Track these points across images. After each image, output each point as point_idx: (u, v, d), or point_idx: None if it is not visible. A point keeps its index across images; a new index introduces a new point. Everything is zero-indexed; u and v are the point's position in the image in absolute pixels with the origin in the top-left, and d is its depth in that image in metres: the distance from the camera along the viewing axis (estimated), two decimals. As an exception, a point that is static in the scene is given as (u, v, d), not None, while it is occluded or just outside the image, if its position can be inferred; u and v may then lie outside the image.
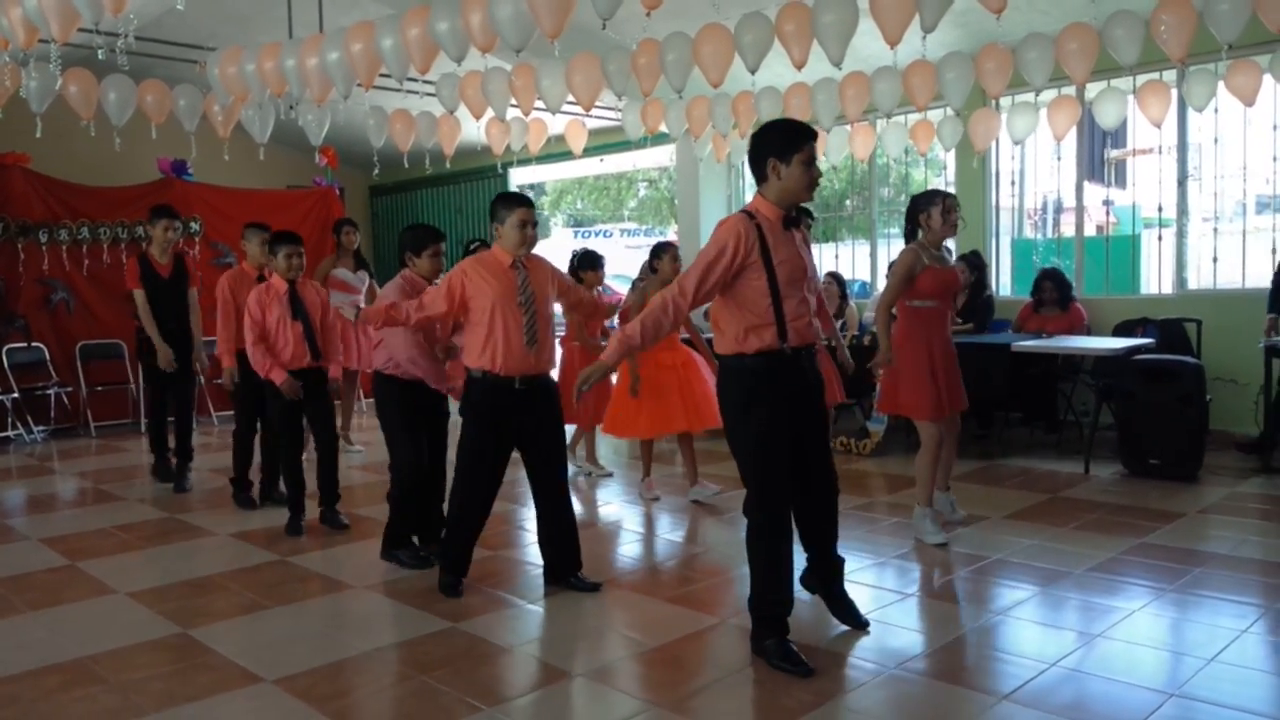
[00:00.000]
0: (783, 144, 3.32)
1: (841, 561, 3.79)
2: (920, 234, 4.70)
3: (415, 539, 4.80)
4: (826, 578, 3.76)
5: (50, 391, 9.06)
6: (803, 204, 3.50)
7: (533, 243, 4.17)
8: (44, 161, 9.43)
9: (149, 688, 3.39)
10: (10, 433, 8.85)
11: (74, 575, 4.76)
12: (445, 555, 4.33)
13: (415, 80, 6.45)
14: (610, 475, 6.83)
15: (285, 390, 5.24)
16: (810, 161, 3.33)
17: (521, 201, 4.16)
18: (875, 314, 4.73)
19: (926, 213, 4.66)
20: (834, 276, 8.79)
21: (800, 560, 3.68)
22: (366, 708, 3.21)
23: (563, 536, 4.35)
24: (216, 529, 5.59)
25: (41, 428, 9.06)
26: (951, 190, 9.07)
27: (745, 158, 10.90)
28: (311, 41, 6.37)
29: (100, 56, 5.66)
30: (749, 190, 11.12)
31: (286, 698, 3.27)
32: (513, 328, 4.06)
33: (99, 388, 9.28)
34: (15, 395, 8.78)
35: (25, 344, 9.13)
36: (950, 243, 8.90)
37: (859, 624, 3.75)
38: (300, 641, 3.81)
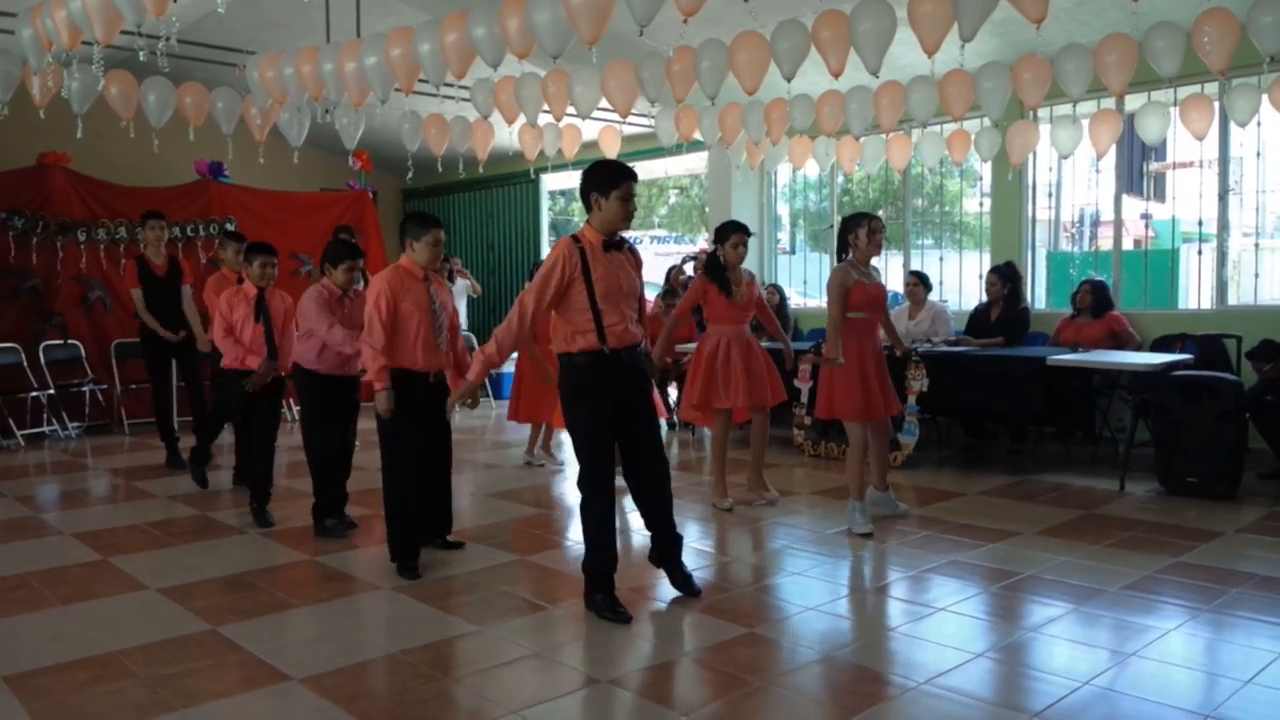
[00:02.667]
0: (604, 181, 3.86)
1: (680, 538, 4.30)
2: (850, 253, 5.17)
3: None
4: (666, 550, 4.28)
5: (85, 388, 9.17)
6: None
7: (438, 260, 4.81)
8: (84, 162, 9.57)
9: (178, 683, 3.41)
10: (45, 428, 8.97)
11: (106, 570, 4.81)
12: (395, 546, 4.72)
13: (450, 85, 6.49)
14: (561, 466, 7.29)
15: (261, 373, 5.69)
16: (626, 198, 3.87)
17: (435, 224, 4.75)
18: (828, 328, 5.17)
19: (855, 234, 5.14)
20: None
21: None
22: (392, 709, 3.21)
23: (439, 506, 4.98)
24: (247, 527, 5.63)
25: (76, 424, 9.18)
26: (987, 200, 9.03)
27: (778, 166, 10.85)
28: (350, 46, 6.43)
29: (141, 59, 5.73)
30: (780, 199, 11.09)
31: (313, 696, 3.28)
32: (428, 331, 4.66)
33: (133, 386, 9.37)
34: (51, 391, 8.90)
35: (62, 341, 9.26)
36: (986, 254, 8.93)
37: (691, 592, 4.25)
38: (327, 641, 3.83)
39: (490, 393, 11.72)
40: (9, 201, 9.16)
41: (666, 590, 4.48)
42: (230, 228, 10.18)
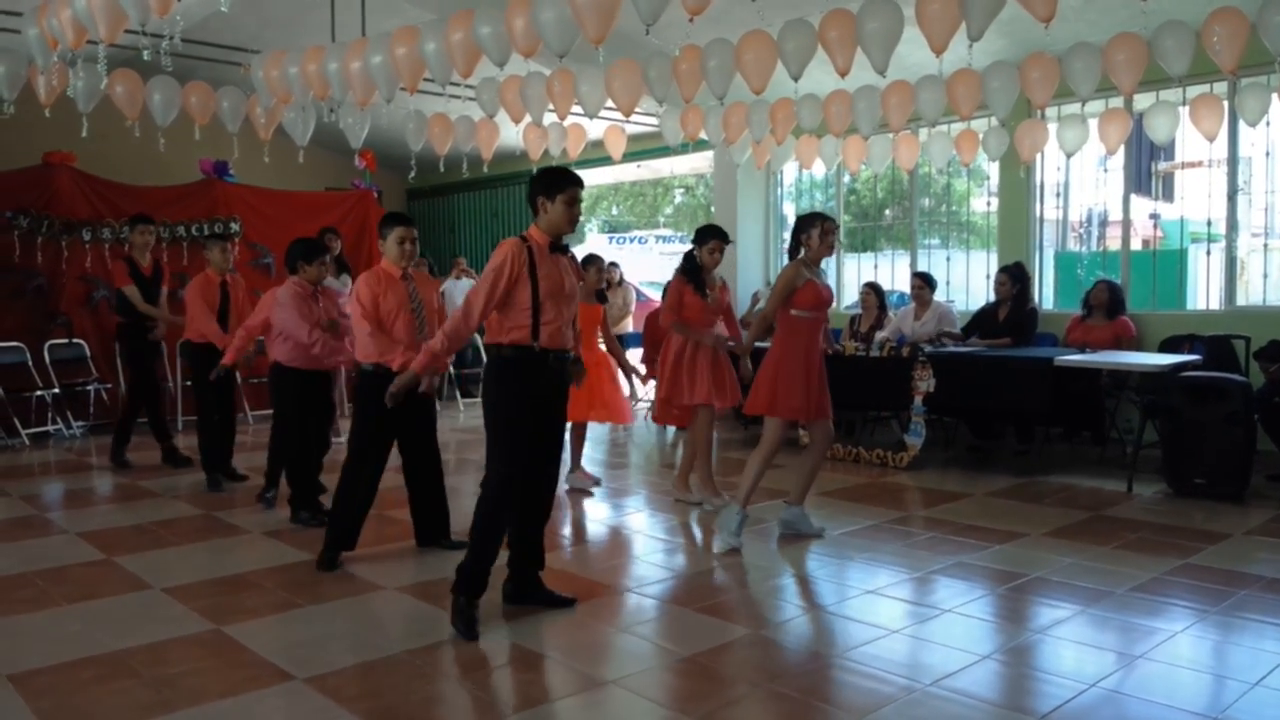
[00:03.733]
0: (549, 186, 3.93)
1: (543, 559, 4.22)
2: (802, 251, 5.15)
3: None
4: (528, 570, 4.18)
5: (90, 388, 9.17)
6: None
7: (411, 257, 4.81)
8: (89, 161, 9.57)
9: (182, 683, 3.40)
10: (50, 428, 8.98)
11: (110, 570, 4.80)
12: (335, 529, 4.79)
13: (455, 84, 6.48)
14: None
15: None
16: (571, 203, 3.93)
17: (401, 221, 4.79)
18: (755, 322, 5.14)
19: (808, 234, 5.13)
20: (872, 287, 8.73)
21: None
22: (396, 709, 3.19)
23: (436, 506, 5.02)
24: (251, 527, 5.63)
25: (81, 423, 9.18)
26: (994, 199, 9.00)
27: (784, 166, 10.81)
28: (356, 45, 6.42)
29: (146, 58, 5.73)
30: (786, 198, 11.07)
31: (317, 696, 3.27)
32: (407, 329, 4.72)
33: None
34: (56, 391, 8.90)
35: (67, 340, 9.25)
36: (993, 254, 8.90)
37: (563, 603, 4.17)
38: (332, 641, 3.82)
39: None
40: (14, 201, 9.16)
41: (669, 591, 4.47)
42: (235, 227, 10.20)
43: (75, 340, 9.30)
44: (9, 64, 6.78)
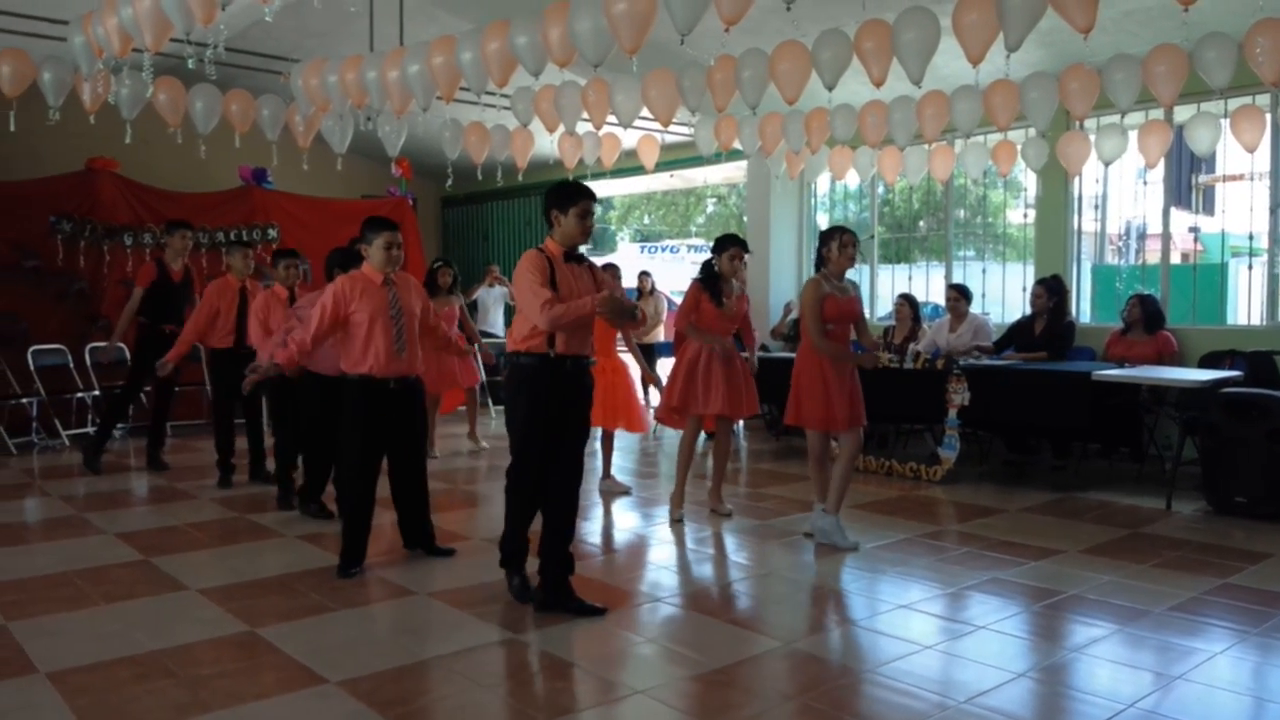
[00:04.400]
0: (563, 200, 4.12)
1: (571, 561, 4.27)
2: (824, 265, 5.30)
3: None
4: (555, 575, 4.22)
5: (130, 390, 9.29)
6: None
7: (397, 263, 4.85)
8: (131, 167, 9.73)
9: (216, 684, 3.44)
10: (90, 429, 9.10)
11: (147, 571, 4.87)
12: (349, 543, 4.78)
13: (491, 93, 6.53)
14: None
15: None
16: (583, 215, 4.11)
17: (387, 226, 4.85)
18: (817, 344, 5.19)
19: (827, 247, 5.29)
20: (906, 299, 8.67)
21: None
22: (426, 714, 3.21)
23: (419, 515, 5.07)
24: (285, 530, 5.68)
25: (120, 425, 9.29)
26: (1031, 211, 8.93)
27: (818, 176, 10.77)
28: (394, 54, 6.48)
29: (189, 66, 5.82)
30: (819, 209, 11.05)
31: (350, 700, 3.29)
32: (386, 337, 4.70)
33: (176, 388, 9.47)
34: (96, 393, 9.03)
35: (107, 344, 9.38)
36: (1029, 266, 8.82)
37: (593, 612, 4.18)
38: (364, 645, 3.84)
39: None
40: (57, 205, 9.34)
41: (699, 601, 4.46)
42: (273, 234, 10.32)
43: (116, 344, 9.42)
44: (55, 71, 6.91)
